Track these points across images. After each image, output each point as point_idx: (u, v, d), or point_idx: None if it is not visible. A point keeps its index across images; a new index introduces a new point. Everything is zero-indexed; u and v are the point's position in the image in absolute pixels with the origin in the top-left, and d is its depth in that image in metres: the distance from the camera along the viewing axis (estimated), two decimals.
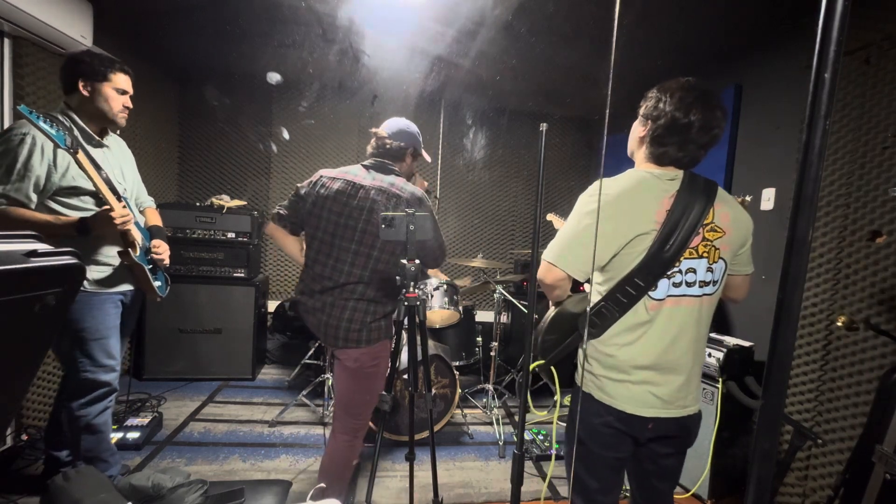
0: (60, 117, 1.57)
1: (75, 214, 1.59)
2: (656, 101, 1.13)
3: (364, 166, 1.65)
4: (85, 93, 1.61)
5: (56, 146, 1.43)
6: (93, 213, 1.60)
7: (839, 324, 1.87)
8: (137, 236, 1.72)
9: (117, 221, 1.56)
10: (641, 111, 1.18)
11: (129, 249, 1.69)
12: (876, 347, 1.77)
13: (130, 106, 1.72)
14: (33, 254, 0.59)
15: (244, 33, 2.81)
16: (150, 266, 1.81)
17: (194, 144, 3.81)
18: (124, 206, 1.65)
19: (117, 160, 1.79)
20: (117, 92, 1.66)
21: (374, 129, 1.68)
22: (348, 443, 1.68)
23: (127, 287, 1.79)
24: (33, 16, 1.99)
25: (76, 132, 1.61)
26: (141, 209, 1.98)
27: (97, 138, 1.69)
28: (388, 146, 1.64)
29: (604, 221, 1.06)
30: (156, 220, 1.99)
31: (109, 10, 2.44)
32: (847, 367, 1.86)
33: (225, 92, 3.72)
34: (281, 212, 1.68)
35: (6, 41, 2.11)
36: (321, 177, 1.64)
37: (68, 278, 0.64)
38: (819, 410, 1.96)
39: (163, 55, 3.25)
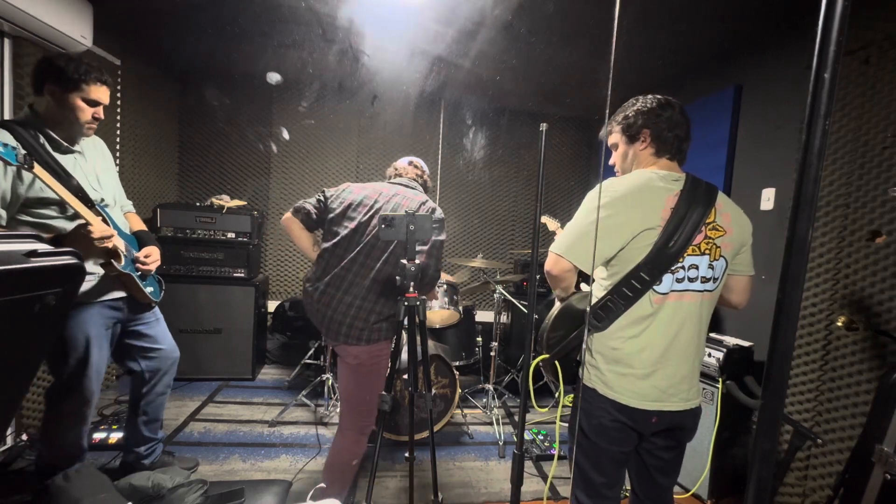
0: (21, 127, 1.47)
1: (50, 223, 1.50)
2: (632, 117, 1.24)
3: (391, 182, 1.77)
4: (51, 98, 1.50)
5: (6, 164, 1.31)
6: (70, 230, 1.50)
7: (839, 324, 1.87)
8: (121, 245, 1.65)
9: (96, 237, 1.46)
10: (622, 135, 1.27)
11: (113, 261, 1.61)
12: (876, 347, 1.77)
13: (101, 117, 1.59)
14: (33, 254, 0.59)
15: (244, 33, 2.81)
16: (139, 273, 1.74)
17: (194, 144, 3.81)
18: (102, 220, 1.57)
19: (92, 166, 1.68)
20: (88, 103, 1.53)
21: (410, 159, 1.87)
22: (355, 440, 1.70)
23: (117, 294, 1.72)
24: (33, 16, 1.99)
25: (42, 139, 1.50)
26: (122, 212, 1.89)
27: (65, 144, 1.57)
28: (424, 178, 1.85)
29: (613, 216, 1.11)
30: (139, 224, 1.91)
31: (109, 10, 2.44)
32: (847, 367, 1.86)
33: (225, 92, 3.72)
34: (305, 207, 1.73)
35: (6, 41, 2.11)
36: (349, 185, 1.74)
37: (68, 278, 0.64)
38: (819, 410, 1.96)
39: (163, 55, 3.25)
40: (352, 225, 1.64)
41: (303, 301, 1.77)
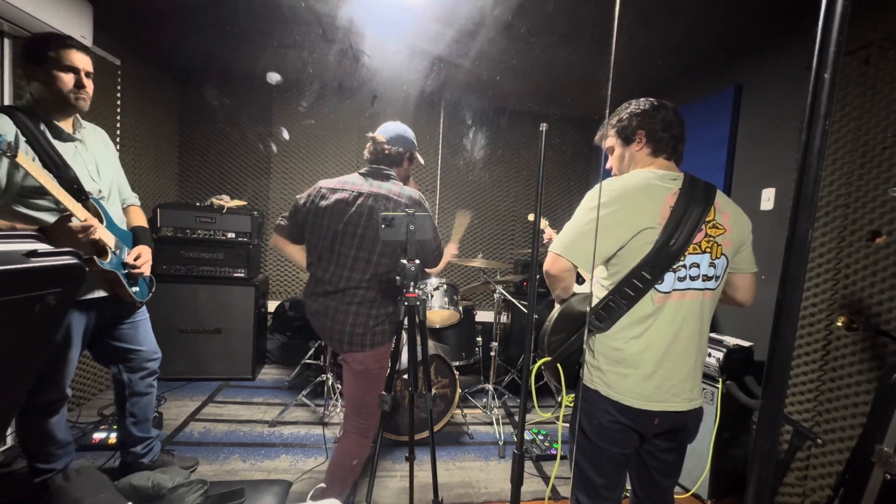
0: (22, 113, 1.46)
1: (44, 216, 1.49)
2: (626, 119, 1.25)
3: (361, 174, 1.68)
4: (35, 79, 1.48)
5: None
6: (54, 221, 1.47)
7: (839, 324, 1.87)
8: (109, 241, 1.61)
9: (76, 229, 1.42)
10: (617, 137, 1.28)
11: (95, 257, 1.56)
12: (876, 347, 1.77)
13: (86, 85, 1.55)
14: (33, 254, 0.59)
15: (244, 33, 2.81)
16: (125, 271, 1.68)
17: (194, 144, 3.81)
18: (94, 212, 1.55)
19: (92, 155, 1.65)
20: (64, 70, 1.49)
21: (371, 134, 1.69)
22: (358, 442, 1.70)
23: (98, 293, 1.65)
24: (33, 16, 1.99)
25: (42, 126, 1.50)
26: (124, 206, 1.86)
27: (67, 132, 1.56)
28: (386, 151, 1.66)
29: (612, 214, 1.12)
30: (140, 220, 1.87)
31: (109, 10, 2.44)
32: (847, 367, 1.86)
33: (225, 92, 3.72)
34: (282, 223, 1.72)
35: (6, 41, 2.11)
36: (320, 188, 1.66)
37: (68, 278, 0.64)
38: (819, 410, 1.96)
39: (163, 55, 3.25)
40: (328, 234, 1.61)
41: (305, 313, 1.75)
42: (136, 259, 1.72)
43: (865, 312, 1.81)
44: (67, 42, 1.52)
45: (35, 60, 1.48)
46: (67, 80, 1.51)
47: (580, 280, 1.29)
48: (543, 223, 2.20)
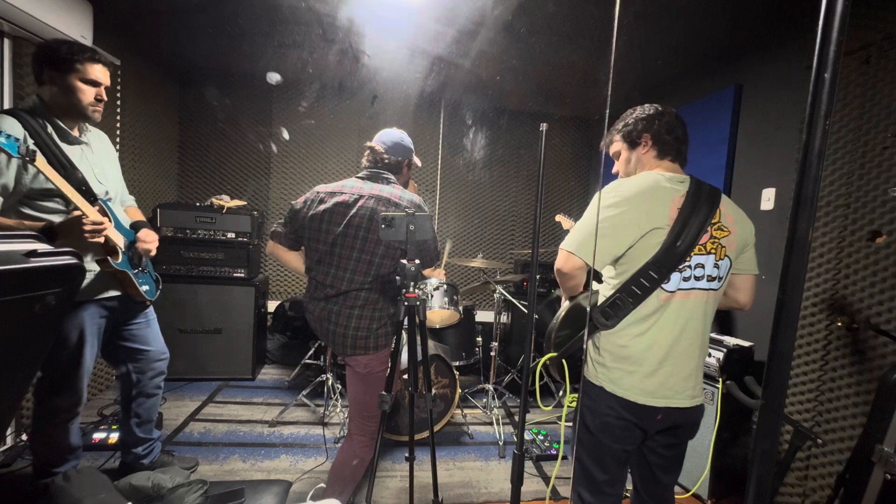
0: (28, 115, 1.47)
1: (51, 217, 1.49)
2: (632, 124, 1.29)
3: (360, 178, 1.67)
4: (53, 85, 1.49)
5: (8, 156, 1.31)
6: (63, 218, 1.48)
7: (839, 324, 1.87)
8: (119, 241, 1.63)
9: (87, 230, 1.43)
10: (623, 141, 1.31)
11: (109, 257, 1.59)
12: (876, 347, 1.77)
13: (104, 98, 1.58)
14: (33, 254, 0.59)
15: (244, 33, 2.81)
16: (136, 271, 1.71)
17: (194, 144, 3.81)
18: (100, 210, 1.56)
19: (98, 158, 1.68)
20: (87, 83, 1.52)
21: (369, 143, 1.69)
22: (364, 444, 1.69)
23: (111, 293, 1.69)
24: (33, 16, 1.99)
25: (49, 129, 1.51)
26: (123, 208, 1.88)
27: (73, 135, 1.58)
28: (386, 160, 1.67)
29: (623, 214, 1.14)
30: (139, 216, 1.89)
31: (109, 10, 2.44)
32: (847, 367, 1.86)
33: (225, 92, 3.72)
34: (278, 230, 1.70)
35: (6, 41, 2.11)
36: (318, 192, 1.65)
37: (68, 278, 0.64)
38: (819, 410, 1.96)
39: (163, 55, 3.25)
40: (328, 238, 1.60)
41: (306, 318, 1.74)
42: (145, 236, 1.76)
43: (865, 312, 1.81)
44: (96, 56, 1.55)
45: (56, 67, 1.49)
46: (89, 93, 1.54)
47: (600, 279, 1.30)
48: (569, 223, 2.21)
